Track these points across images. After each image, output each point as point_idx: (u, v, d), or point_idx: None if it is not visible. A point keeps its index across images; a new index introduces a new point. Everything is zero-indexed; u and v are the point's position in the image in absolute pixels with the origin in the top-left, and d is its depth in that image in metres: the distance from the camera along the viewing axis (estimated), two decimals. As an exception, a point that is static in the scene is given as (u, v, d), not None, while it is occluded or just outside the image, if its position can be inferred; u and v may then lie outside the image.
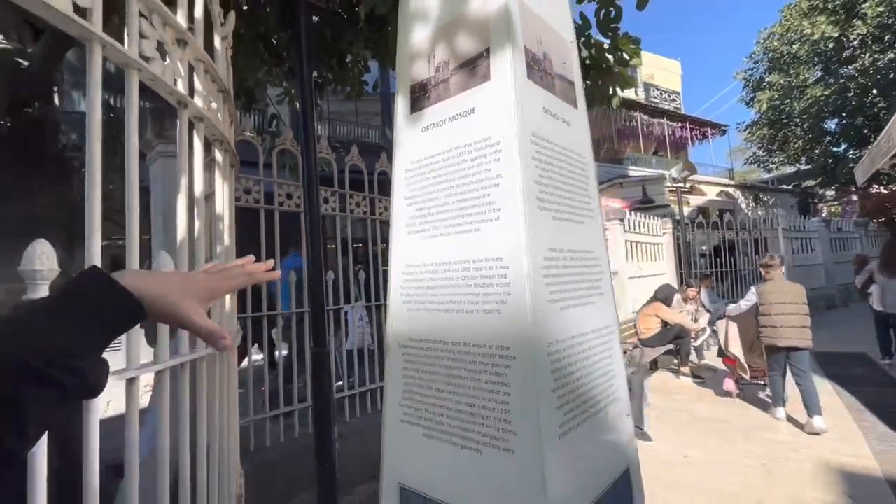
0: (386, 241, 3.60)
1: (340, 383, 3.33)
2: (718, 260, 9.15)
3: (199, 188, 1.27)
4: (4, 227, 2.45)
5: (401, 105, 1.03)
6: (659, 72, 21.52)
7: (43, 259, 0.72)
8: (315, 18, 3.42)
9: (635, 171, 16.73)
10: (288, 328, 2.97)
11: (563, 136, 0.94)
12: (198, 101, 1.23)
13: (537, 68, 0.89)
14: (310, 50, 2.52)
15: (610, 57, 3.21)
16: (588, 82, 3.17)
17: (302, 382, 2.99)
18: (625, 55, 3.19)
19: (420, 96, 0.99)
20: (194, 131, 1.23)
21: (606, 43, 3.25)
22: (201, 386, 1.19)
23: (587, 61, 3.09)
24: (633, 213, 7.70)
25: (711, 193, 16.94)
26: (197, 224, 1.24)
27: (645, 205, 13.65)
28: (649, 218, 8.17)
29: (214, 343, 0.51)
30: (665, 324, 5.06)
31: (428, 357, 0.91)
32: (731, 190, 17.85)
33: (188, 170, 1.20)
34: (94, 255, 0.69)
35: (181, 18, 1.16)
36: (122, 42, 0.89)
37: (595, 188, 1.02)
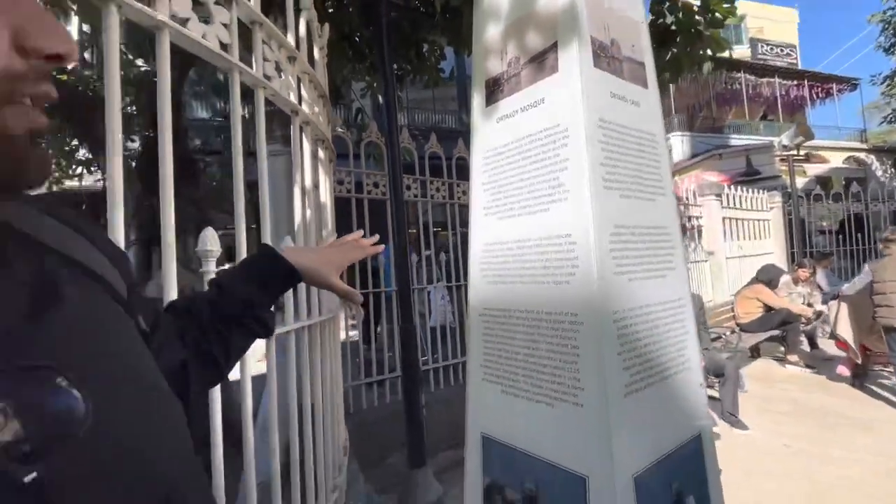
0: (465, 224, 3.76)
1: (425, 358, 3.59)
2: (841, 237, 8.00)
3: (308, 181, 1.50)
4: (154, 218, 3.02)
5: (476, 99, 1.14)
6: (770, 24, 18.82)
7: (212, 241, 0.95)
8: (393, 14, 3.59)
9: (738, 140, 15.00)
10: (378, 306, 3.28)
11: (632, 117, 0.98)
12: (304, 107, 1.44)
13: (604, 55, 0.94)
14: (391, 48, 2.70)
15: (700, 19, 2.98)
16: (674, 50, 2.99)
17: (391, 354, 3.29)
18: (717, 15, 2.94)
19: (494, 90, 1.09)
20: (303, 134, 1.46)
21: (696, 4, 3.02)
22: (316, 347, 1.44)
23: (673, 27, 2.90)
24: (734, 187, 6.99)
25: (836, 160, 14.64)
26: (308, 212, 1.48)
27: (749, 177, 12.25)
28: (754, 192, 7.36)
29: (352, 299, 0.69)
30: (768, 308, 4.63)
31: (504, 324, 1.03)
32: (862, 155, 15.27)
33: (300, 166, 1.43)
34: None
35: (290, 38, 1.37)
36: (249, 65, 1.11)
37: (667, 165, 1.05)
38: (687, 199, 6.02)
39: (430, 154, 3.47)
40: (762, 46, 18.28)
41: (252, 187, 1.23)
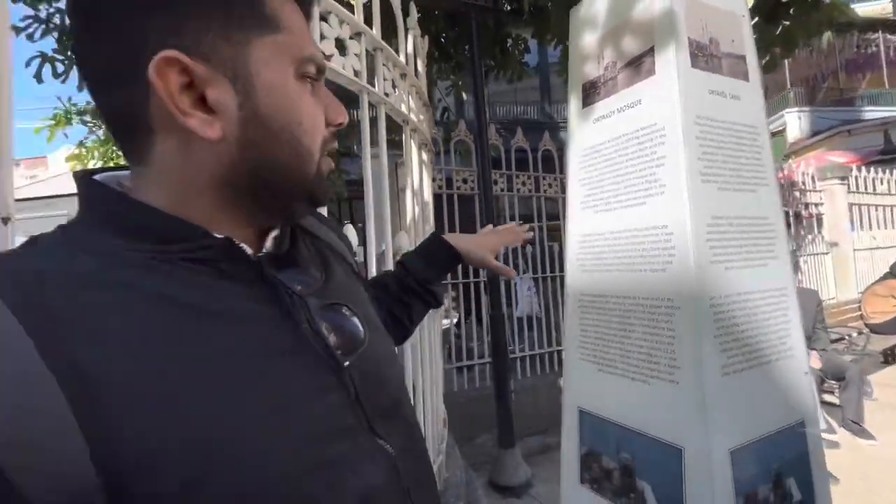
0: (550, 216, 3.79)
1: (511, 347, 3.71)
2: None
3: (416, 181, 1.70)
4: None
5: (573, 101, 1.23)
6: (919, -30, 15.72)
7: (352, 234, 1.17)
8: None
9: (874, 113, 12.84)
10: (468, 295, 3.47)
11: (731, 112, 1.01)
12: (412, 116, 1.64)
13: (702, 55, 0.99)
14: (479, 51, 2.83)
15: (819, -14, 2.69)
16: (785, 22, 2.75)
17: (480, 342, 3.47)
18: (840, -20, 2.64)
19: (591, 93, 1.17)
20: (412, 140, 1.66)
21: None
22: (422, 328, 1.64)
23: (784, -1, 2.66)
24: (865, 168, 6.08)
25: None
26: (416, 209, 1.68)
27: (889, 155, 10.48)
28: (892, 174, 6.34)
29: (507, 275, 0.89)
30: (907, 307, 4.03)
31: (601, 308, 1.12)
32: None
33: (410, 169, 1.64)
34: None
35: (401, 56, 1.56)
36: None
37: (769, 156, 1.06)
38: (804, 184, 5.39)
39: (515, 148, 3.56)
40: (909, -1, 15.33)
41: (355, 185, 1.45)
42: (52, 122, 4.00)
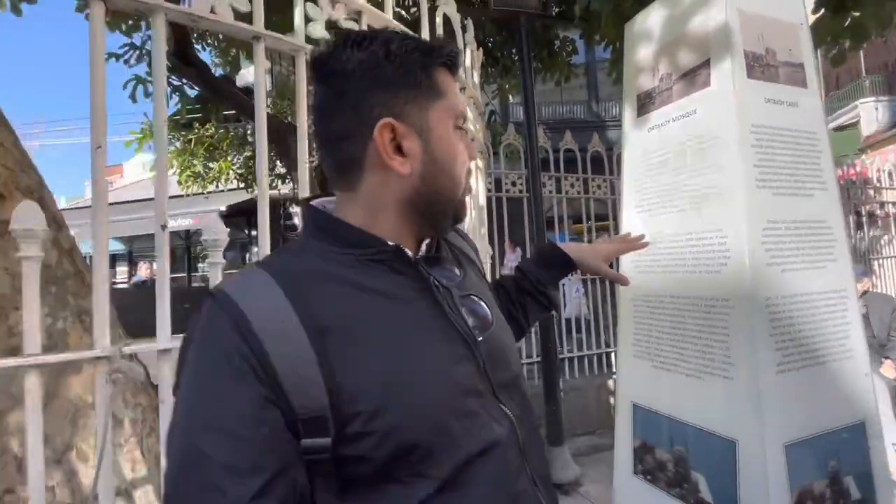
0: (599, 217, 3.76)
1: (560, 348, 3.73)
2: None
3: (473, 186, 1.81)
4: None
5: (628, 112, 1.30)
6: None
7: (480, 245, 1.29)
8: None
9: (965, 101, 11.60)
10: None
11: (789, 119, 1.05)
12: (470, 125, 1.75)
13: (758, 65, 1.03)
14: (530, 59, 2.89)
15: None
16: (855, 13, 2.62)
17: (530, 342, 3.52)
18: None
19: (646, 103, 1.23)
20: (469, 148, 1.77)
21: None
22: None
23: (854, -12, 2.54)
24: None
25: None
26: (472, 213, 1.79)
27: (985, 147, 9.44)
28: None
29: (620, 281, 0.93)
30: None
31: (655, 308, 1.18)
32: None
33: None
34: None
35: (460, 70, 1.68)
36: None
37: (829, 160, 1.08)
38: (879, 181, 5.01)
39: (564, 149, 3.58)
40: None
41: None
42: (140, 135, 4.48)
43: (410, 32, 0.87)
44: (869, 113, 11.94)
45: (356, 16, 1.19)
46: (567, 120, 10.22)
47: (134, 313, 1.78)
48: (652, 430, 1.19)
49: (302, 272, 0.45)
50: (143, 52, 3.45)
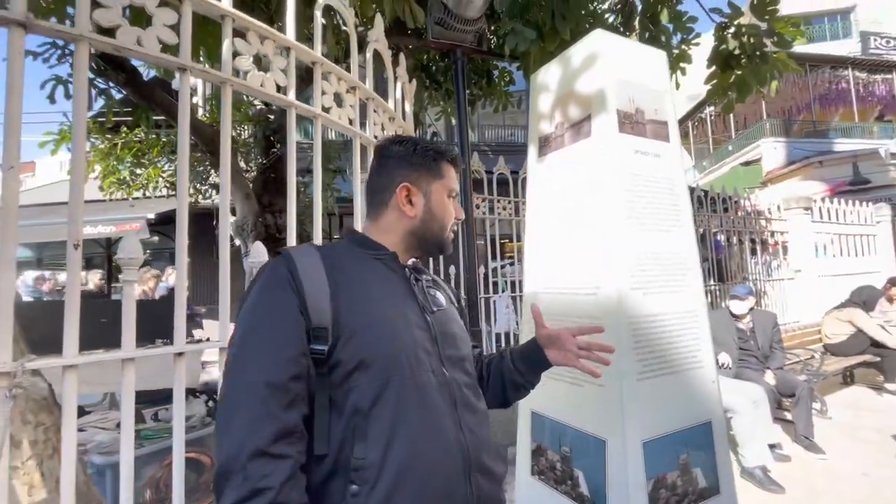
0: (529, 239, 3.99)
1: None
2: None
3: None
4: (266, 231, 3.67)
5: (531, 150, 1.48)
6: (890, 12, 16.72)
7: (262, 254, 1.36)
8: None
9: (845, 146, 13.51)
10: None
11: (653, 168, 1.26)
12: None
13: (628, 122, 1.24)
14: (465, 87, 3.09)
15: (768, 42, 3.03)
16: (738, 72, 3.07)
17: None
18: (785, 37, 2.97)
19: (544, 145, 1.42)
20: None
21: (763, 26, 3.07)
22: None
23: (736, 51, 2.99)
24: (834, 199, 6.47)
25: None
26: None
27: (857, 187, 11.04)
28: (856, 204, 6.74)
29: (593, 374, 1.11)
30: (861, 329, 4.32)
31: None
32: None
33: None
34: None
35: (390, 101, 1.80)
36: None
37: (686, 202, 1.31)
38: (769, 212, 5.75)
39: (497, 173, 3.82)
40: (875, 40, 16.29)
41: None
42: (58, 137, 4.17)
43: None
44: (769, 152, 13.56)
45: (285, 52, 1.27)
46: (509, 143, 10.71)
47: (40, 328, 1.69)
48: (546, 434, 1.34)
49: (335, 252, 0.72)
50: (66, 51, 3.27)
